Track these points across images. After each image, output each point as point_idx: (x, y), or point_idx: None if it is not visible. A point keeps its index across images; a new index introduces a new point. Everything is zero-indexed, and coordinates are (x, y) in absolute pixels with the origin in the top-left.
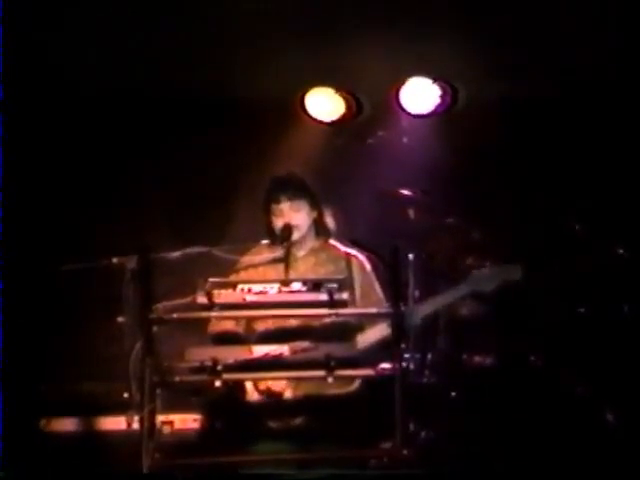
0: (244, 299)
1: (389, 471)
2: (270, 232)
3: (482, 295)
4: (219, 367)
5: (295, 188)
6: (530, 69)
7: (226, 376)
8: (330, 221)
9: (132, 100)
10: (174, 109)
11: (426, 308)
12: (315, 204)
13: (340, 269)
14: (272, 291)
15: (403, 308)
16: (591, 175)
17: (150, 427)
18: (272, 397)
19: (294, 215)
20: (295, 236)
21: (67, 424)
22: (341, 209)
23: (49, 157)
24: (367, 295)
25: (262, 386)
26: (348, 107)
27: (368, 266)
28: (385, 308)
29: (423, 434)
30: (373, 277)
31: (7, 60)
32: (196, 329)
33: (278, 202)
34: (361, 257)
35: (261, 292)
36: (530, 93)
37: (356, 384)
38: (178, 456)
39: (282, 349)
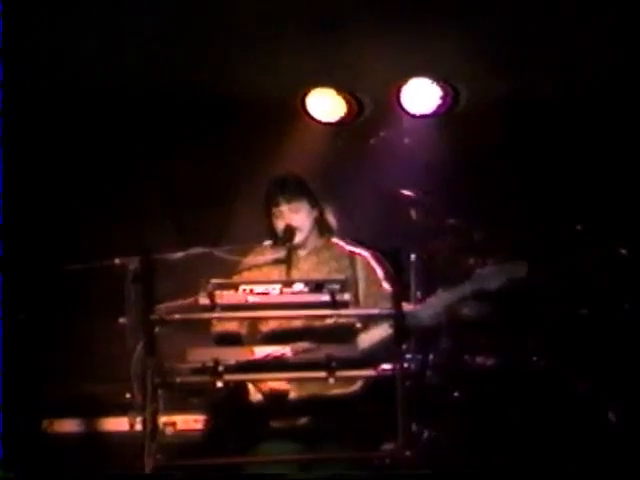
0: (246, 300)
1: (392, 472)
2: (272, 234)
3: (487, 294)
4: (220, 368)
5: (293, 189)
6: (531, 70)
7: (227, 377)
8: (332, 219)
9: (133, 101)
10: (176, 109)
11: (430, 308)
12: (315, 203)
13: (343, 267)
14: (274, 292)
15: (405, 309)
16: (592, 175)
17: (153, 428)
18: (276, 398)
19: (294, 216)
20: (297, 237)
21: (70, 425)
22: (343, 210)
23: (50, 157)
24: (376, 291)
25: (264, 387)
26: (349, 107)
27: (373, 262)
28: (387, 308)
29: (426, 435)
30: (379, 272)
31: (7, 58)
32: (198, 330)
33: (277, 205)
34: (365, 254)
35: (263, 293)
36: (531, 94)
37: (359, 384)
38: (181, 457)
39: (284, 350)
